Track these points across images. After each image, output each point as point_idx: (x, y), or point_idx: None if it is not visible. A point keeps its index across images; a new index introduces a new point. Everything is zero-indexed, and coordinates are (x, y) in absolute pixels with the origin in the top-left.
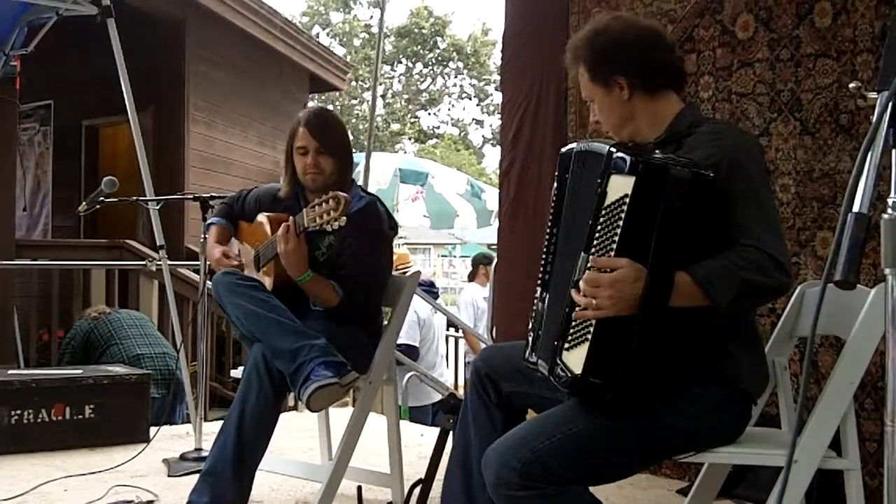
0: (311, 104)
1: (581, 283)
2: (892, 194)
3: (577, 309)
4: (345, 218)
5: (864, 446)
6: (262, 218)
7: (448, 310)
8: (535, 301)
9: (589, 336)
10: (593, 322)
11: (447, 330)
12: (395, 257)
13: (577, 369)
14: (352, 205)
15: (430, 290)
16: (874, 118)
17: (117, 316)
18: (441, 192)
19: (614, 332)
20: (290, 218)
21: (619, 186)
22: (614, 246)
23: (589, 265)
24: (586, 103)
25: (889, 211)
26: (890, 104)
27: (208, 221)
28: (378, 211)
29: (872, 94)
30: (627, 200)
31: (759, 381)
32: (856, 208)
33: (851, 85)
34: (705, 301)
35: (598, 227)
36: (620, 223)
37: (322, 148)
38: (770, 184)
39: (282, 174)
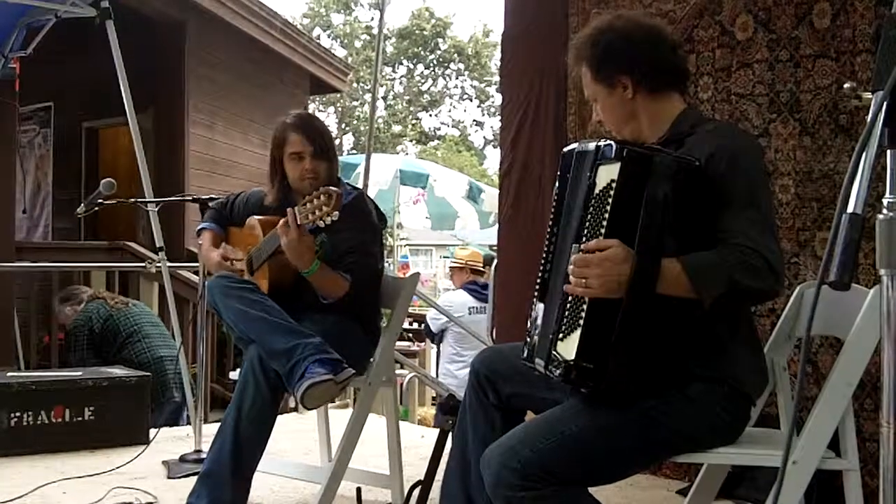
0: (311, 106)
1: (570, 265)
2: (887, 195)
3: (566, 287)
4: (337, 213)
5: (865, 447)
6: (252, 221)
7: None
8: (534, 302)
9: (581, 321)
10: (585, 308)
11: None
12: (468, 254)
13: (570, 355)
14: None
15: (482, 292)
16: (869, 118)
17: (136, 310)
18: (442, 194)
19: (605, 315)
20: (289, 210)
21: (606, 174)
22: (603, 231)
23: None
24: (586, 104)
25: (884, 211)
26: (884, 104)
27: (199, 227)
28: (367, 203)
29: (867, 95)
30: (614, 186)
31: (758, 381)
32: (850, 209)
33: (846, 86)
34: (691, 292)
35: (588, 217)
36: (608, 209)
37: (317, 152)
38: (769, 186)
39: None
